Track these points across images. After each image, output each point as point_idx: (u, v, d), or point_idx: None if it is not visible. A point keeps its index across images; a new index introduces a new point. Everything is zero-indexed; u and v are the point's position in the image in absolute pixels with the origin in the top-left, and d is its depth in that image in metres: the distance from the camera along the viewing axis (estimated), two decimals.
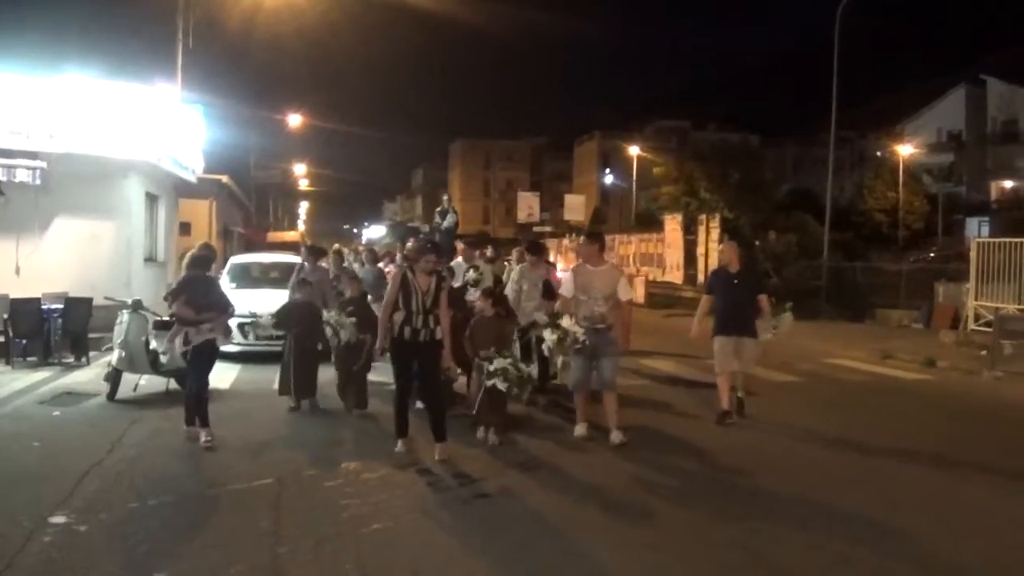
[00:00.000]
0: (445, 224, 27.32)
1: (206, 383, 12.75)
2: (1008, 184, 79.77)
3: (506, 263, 19.68)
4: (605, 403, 13.04)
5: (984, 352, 22.26)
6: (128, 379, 15.81)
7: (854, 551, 8.37)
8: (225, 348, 17.85)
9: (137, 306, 15.88)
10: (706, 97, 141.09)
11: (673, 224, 48.25)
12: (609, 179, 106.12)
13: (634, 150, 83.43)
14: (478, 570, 7.90)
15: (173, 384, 15.87)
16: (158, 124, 23.92)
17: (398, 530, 8.85)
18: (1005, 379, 20.04)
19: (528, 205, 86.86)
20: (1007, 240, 25.49)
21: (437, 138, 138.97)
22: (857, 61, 40.32)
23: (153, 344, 15.59)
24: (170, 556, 8.04)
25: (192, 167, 27.91)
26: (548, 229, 76.70)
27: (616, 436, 12.66)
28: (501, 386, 12.52)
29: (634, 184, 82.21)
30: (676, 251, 47.27)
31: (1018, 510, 10.03)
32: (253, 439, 12.67)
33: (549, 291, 15.38)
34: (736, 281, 14.47)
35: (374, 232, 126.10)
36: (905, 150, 75.46)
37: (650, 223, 63.18)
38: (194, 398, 12.64)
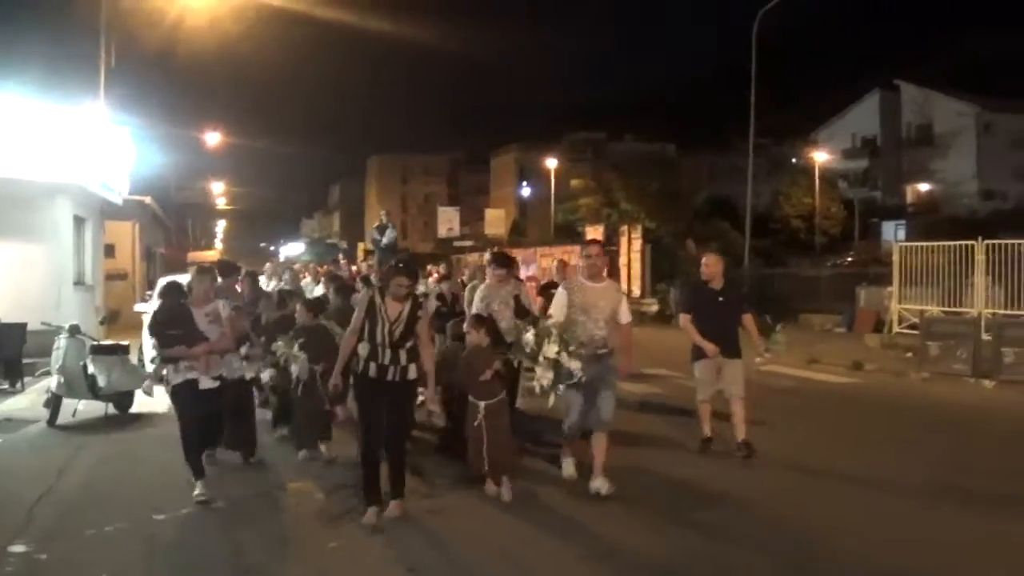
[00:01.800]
0: (384, 241, 25.94)
1: (188, 432, 10.85)
2: (923, 187, 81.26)
3: (461, 280, 18.88)
4: (594, 443, 11.11)
5: (910, 354, 22.65)
6: (67, 404, 15.61)
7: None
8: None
9: (74, 331, 15.79)
10: (621, 108, 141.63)
11: (594, 235, 48.55)
12: (527, 191, 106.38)
13: (552, 162, 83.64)
14: None
15: (112, 408, 15.85)
16: (86, 146, 23.63)
17: (354, 548, 8.92)
18: (932, 380, 20.44)
19: (448, 220, 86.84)
20: (928, 244, 25.91)
21: (354, 154, 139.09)
22: (771, 68, 40.87)
23: (91, 369, 15.50)
24: None
25: (118, 189, 27.72)
26: (469, 243, 76.59)
27: (603, 485, 10.80)
28: (546, 383, 10.53)
29: (552, 196, 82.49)
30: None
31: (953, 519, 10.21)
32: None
33: (521, 309, 13.48)
34: (721, 299, 12.97)
35: (292, 249, 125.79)
36: (821, 156, 76.39)
37: (569, 235, 63.46)
38: (183, 443, 10.92)
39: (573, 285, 11.22)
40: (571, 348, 10.44)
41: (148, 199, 36.65)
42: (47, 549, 8.87)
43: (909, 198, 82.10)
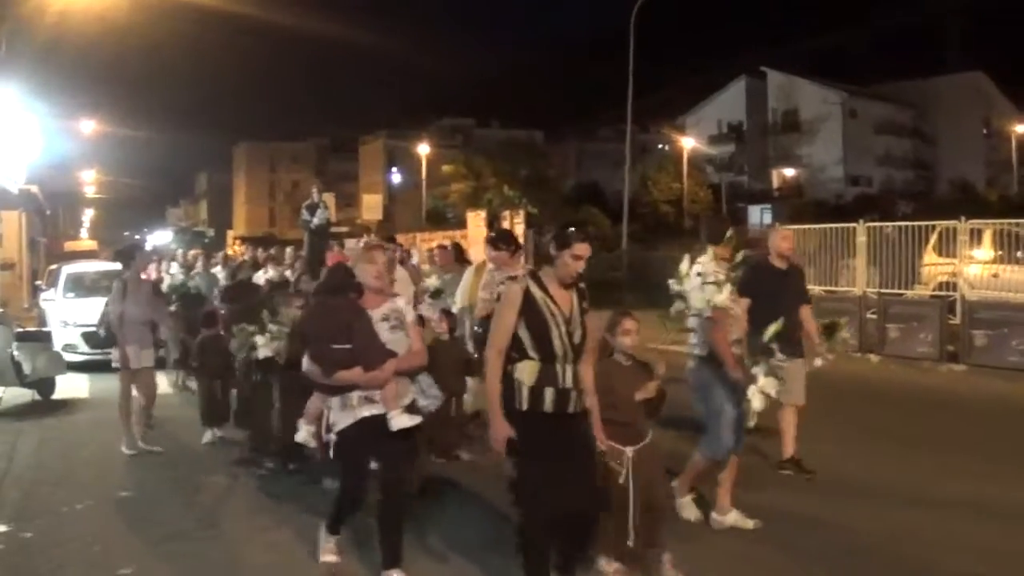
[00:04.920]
0: (315, 221, 22.37)
1: (353, 492, 7.49)
2: (789, 172, 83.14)
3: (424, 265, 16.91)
4: (730, 466, 8.70)
5: None
6: None
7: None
8: (69, 358, 18.03)
9: (0, 318, 15.93)
10: (488, 94, 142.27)
11: (477, 221, 48.97)
12: (397, 178, 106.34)
13: (423, 149, 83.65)
14: None
15: (36, 395, 16.04)
16: None
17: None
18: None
19: (326, 206, 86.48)
20: (809, 227, 26.73)
21: (221, 141, 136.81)
22: (639, 55, 41.59)
23: (16, 356, 15.63)
24: (125, 552, 8.38)
25: (15, 178, 27.51)
26: (345, 229, 76.53)
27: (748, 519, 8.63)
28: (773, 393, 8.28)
29: (424, 182, 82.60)
30: (479, 247, 48.01)
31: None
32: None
33: None
34: (785, 281, 10.34)
35: (159, 238, 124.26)
36: (688, 143, 77.61)
37: (440, 221, 63.82)
38: (337, 505, 7.68)
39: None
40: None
41: (35, 188, 36.35)
42: (29, 528, 9.10)
43: (775, 183, 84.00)
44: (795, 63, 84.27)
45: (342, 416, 7.22)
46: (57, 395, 16.47)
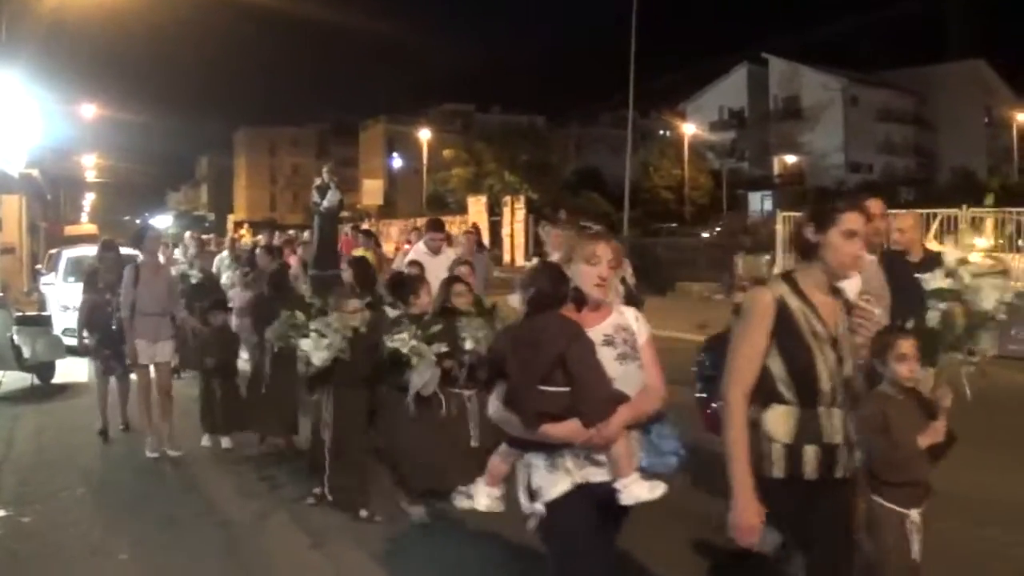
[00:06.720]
0: (325, 204, 20.15)
1: None
2: (790, 159, 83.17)
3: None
4: None
5: None
6: None
7: None
8: (69, 342, 17.91)
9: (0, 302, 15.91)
10: (489, 79, 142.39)
11: (478, 206, 49.07)
12: (397, 163, 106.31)
13: (424, 134, 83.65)
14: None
15: (35, 379, 15.96)
16: None
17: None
18: None
19: (336, 187, 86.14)
20: None
21: (221, 126, 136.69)
22: (640, 40, 41.42)
23: (16, 340, 15.60)
24: (124, 537, 8.40)
25: (15, 162, 27.51)
26: (346, 214, 76.50)
27: None
28: None
29: (424, 167, 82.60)
30: (481, 233, 48.12)
31: None
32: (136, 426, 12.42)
33: (632, 298, 8.43)
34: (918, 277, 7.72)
35: (160, 223, 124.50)
36: (689, 129, 77.60)
37: (440, 206, 63.84)
38: None
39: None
40: None
41: (35, 172, 36.26)
42: (26, 512, 9.12)
43: (776, 169, 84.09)
44: (797, 50, 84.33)
45: (551, 481, 4.82)
46: (57, 379, 16.42)
